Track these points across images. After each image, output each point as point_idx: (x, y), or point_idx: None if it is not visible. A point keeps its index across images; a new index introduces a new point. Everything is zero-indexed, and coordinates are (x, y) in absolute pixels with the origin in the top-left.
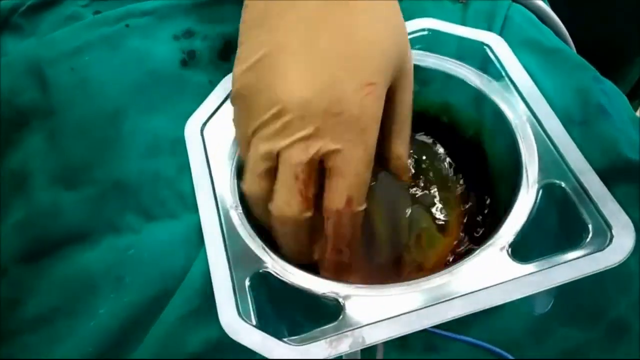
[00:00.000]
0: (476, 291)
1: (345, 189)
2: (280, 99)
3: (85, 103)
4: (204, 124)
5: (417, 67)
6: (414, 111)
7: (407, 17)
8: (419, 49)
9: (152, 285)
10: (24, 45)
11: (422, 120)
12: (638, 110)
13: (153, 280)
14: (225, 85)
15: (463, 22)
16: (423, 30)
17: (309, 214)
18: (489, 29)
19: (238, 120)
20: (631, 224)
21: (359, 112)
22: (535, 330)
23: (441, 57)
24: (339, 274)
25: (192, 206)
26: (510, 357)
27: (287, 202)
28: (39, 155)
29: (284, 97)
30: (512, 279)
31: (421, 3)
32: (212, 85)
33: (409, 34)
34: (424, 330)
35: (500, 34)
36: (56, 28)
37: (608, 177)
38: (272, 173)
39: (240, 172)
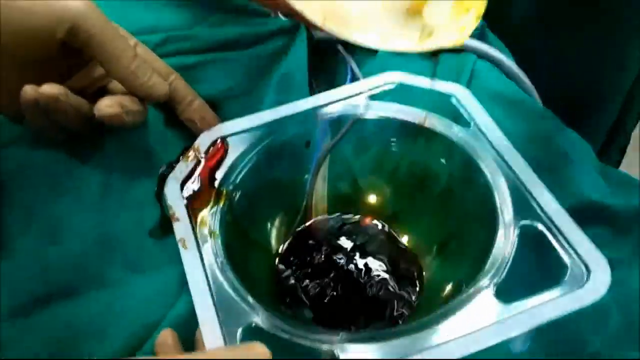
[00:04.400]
0: (467, 335)
1: None
2: None
3: None
4: (185, 179)
5: (387, 120)
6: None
7: (380, 72)
8: (387, 101)
9: (135, 335)
10: None
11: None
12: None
13: (136, 330)
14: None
15: (433, 77)
16: (390, 83)
17: None
18: (457, 82)
19: None
20: (605, 261)
21: None
22: None
23: (409, 108)
24: None
25: (176, 257)
26: None
27: None
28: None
29: None
30: (501, 320)
31: (394, 59)
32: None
33: (377, 87)
34: None
35: (468, 86)
36: None
37: (575, 220)
38: None
39: (224, 224)
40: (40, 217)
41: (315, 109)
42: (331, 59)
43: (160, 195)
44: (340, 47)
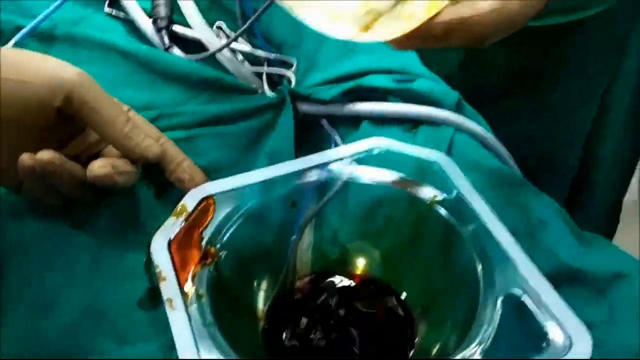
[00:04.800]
0: None
1: None
2: None
3: None
4: (171, 238)
5: (372, 185)
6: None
7: None
8: (371, 165)
9: None
10: None
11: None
12: None
13: None
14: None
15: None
16: (376, 148)
17: None
18: None
19: None
20: (586, 330)
21: None
22: None
23: (394, 173)
24: None
25: (165, 327)
26: None
27: None
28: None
29: None
30: None
31: (376, 131)
32: None
33: (362, 152)
34: None
35: None
36: None
37: (553, 283)
38: None
39: (211, 283)
40: (33, 289)
41: (302, 172)
42: (316, 133)
43: (149, 266)
44: (324, 122)
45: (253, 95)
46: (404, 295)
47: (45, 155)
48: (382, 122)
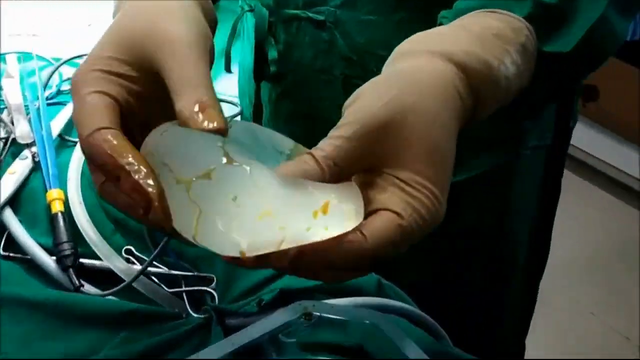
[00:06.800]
0: None
1: None
2: None
3: None
4: None
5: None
6: None
7: None
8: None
9: None
10: None
11: None
12: None
13: None
14: None
15: None
16: (311, 314)
17: None
18: None
19: None
20: None
21: None
22: None
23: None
24: None
25: None
26: None
27: None
28: None
29: None
30: None
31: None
32: None
33: (296, 319)
34: None
35: None
36: None
37: None
38: None
39: None
40: None
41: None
42: None
43: None
44: None
45: (177, 321)
46: None
47: None
48: None
